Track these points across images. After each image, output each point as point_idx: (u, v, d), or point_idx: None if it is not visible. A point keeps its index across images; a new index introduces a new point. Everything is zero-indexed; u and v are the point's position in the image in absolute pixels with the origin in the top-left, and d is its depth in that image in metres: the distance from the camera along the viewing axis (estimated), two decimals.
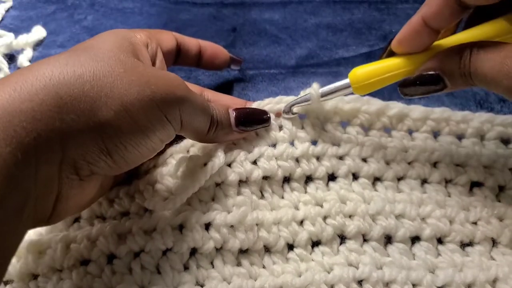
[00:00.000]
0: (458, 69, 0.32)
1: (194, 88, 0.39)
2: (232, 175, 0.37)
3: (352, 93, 0.37)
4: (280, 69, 0.50)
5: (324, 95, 0.37)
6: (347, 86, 0.36)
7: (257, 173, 0.38)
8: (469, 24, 0.36)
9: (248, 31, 0.53)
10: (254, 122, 0.38)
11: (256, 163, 0.38)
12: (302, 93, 0.39)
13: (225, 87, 0.49)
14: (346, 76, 0.48)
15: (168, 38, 0.41)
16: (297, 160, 0.39)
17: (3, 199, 0.25)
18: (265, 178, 0.39)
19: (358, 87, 0.36)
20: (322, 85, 0.38)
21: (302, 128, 0.40)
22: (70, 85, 0.27)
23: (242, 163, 0.38)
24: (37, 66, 0.28)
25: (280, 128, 0.40)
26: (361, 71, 0.36)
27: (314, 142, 0.40)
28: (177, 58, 0.43)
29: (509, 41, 0.32)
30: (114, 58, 0.30)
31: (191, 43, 0.44)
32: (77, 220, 0.39)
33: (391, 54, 0.36)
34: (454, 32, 0.36)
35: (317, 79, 0.49)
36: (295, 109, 0.39)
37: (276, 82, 0.49)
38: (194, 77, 0.50)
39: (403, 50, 0.35)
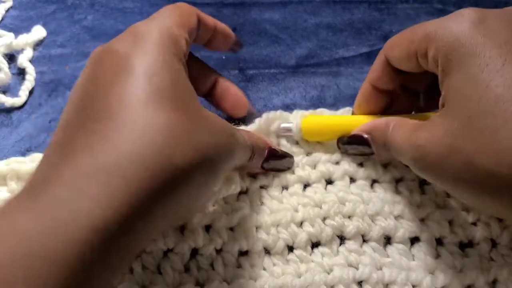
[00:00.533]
0: (381, 139, 0.35)
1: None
2: (233, 187, 0.38)
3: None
4: (280, 69, 0.50)
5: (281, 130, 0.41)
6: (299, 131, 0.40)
7: (255, 185, 0.39)
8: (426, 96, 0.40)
9: (248, 31, 0.53)
10: (280, 166, 0.39)
11: (254, 176, 0.39)
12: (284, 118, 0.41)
13: None
14: (346, 76, 0.49)
15: (194, 24, 0.35)
16: (292, 171, 0.40)
17: None
18: (263, 187, 0.39)
19: (307, 134, 0.40)
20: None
21: (297, 143, 0.41)
22: (156, 175, 0.23)
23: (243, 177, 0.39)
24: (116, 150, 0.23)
25: (278, 144, 0.41)
26: (313, 122, 0.40)
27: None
28: None
29: None
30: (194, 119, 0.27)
31: (209, 24, 0.38)
32: None
33: None
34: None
35: (317, 79, 0.49)
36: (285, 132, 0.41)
37: (276, 82, 0.49)
38: None
39: (362, 113, 0.40)
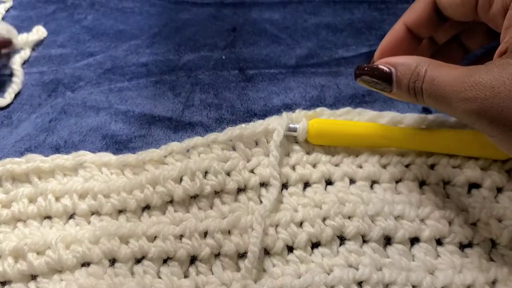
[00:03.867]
0: (408, 76, 0.32)
1: None
2: (231, 184, 0.38)
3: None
4: (280, 68, 0.50)
5: (289, 130, 0.40)
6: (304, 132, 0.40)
7: (254, 180, 0.39)
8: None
9: (248, 31, 0.53)
10: None
11: (253, 172, 0.39)
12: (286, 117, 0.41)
13: (225, 87, 0.49)
14: (346, 76, 0.49)
15: None
16: (293, 168, 0.40)
17: None
18: (263, 185, 0.39)
19: (312, 137, 0.40)
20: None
21: (297, 142, 0.41)
22: None
23: (240, 172, 0.39)
24: None
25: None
26: (320, 126, 0.40)
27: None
28: None
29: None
30: None
31: None
32: (71, 216, 0.39)
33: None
34: None
35: (317, 79, 0.49)
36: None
37: (276, 82, 0.49)
38: (194, 76, 0.50)
39: (387, 56, 0.36)
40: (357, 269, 0.36)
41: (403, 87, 0.33)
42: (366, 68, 0.34)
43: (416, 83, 0.32)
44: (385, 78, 0.33)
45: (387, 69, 0.33)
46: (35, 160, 0.40)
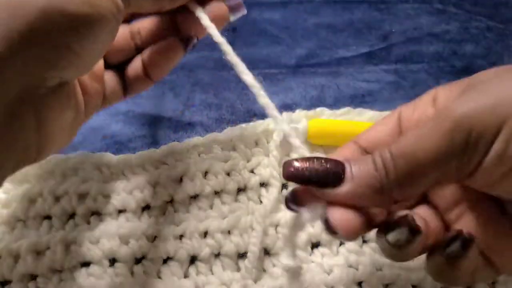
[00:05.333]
0: (371, 165, 0.25)
1: None
2: (231, 184, 0.39)
3: None
4: (280, 69, 0.50)
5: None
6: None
7: (254, 180, 0.39)
8: None
9: (248, 31, 0.53)
10: None
11: (253, 172, 0.39)
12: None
13: (225, 87, 0.49)
14: (346, 76, 0.49)
15: None
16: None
17: None
18: (263, 185, 0.39)
19: (312, 137, 0.40)
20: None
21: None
22: None
23: (240, 172, 0.39)
24: None
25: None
26: (320, 125, 0.40)
27: None
28: None
29: None
30: None
31: None
32: (72, 217, 0.39)
33: None
34: None
35: (317, 79, 0.49)
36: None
37: (276, 82, 0.49)
38: (194, 76, 0.50)
39: None
40: (357, 269, 0.36)
41: (362, 178, 0.25)
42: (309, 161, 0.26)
43: (386, 163, 0.24)
44: (335, 172, 0.25)
45: (336, 162, 0.26)
46: None
